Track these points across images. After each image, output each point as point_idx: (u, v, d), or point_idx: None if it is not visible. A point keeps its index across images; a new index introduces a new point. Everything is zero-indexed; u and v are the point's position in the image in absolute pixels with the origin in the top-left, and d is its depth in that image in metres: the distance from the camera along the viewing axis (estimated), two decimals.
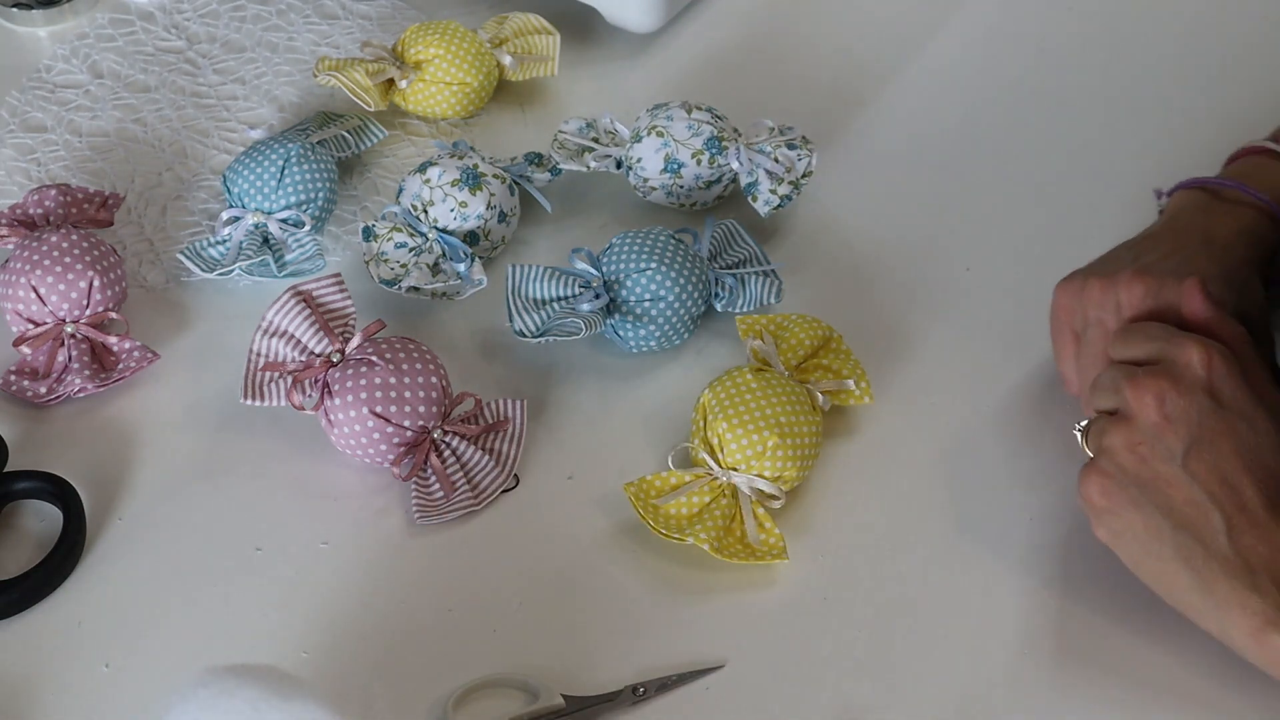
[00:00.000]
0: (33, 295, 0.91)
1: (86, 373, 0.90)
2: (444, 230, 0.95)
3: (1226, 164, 0.94)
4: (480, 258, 0.96)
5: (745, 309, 0.93)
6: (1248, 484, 0.74)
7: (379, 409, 0.84)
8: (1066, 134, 1.06)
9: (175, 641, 0.81)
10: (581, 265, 0.92)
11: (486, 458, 0.87)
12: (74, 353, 0.91)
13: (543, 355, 0.93)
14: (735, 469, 0.84)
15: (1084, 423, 0.80)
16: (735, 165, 0.97)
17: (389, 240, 0.95)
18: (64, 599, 0.83)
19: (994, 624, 0.81)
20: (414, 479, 0.86)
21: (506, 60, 1.06)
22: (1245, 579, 0.73)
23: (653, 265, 0.90)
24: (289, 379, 0.87)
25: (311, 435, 0.88)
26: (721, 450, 0.84)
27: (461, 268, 0.94)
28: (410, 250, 0.95)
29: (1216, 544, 0.74)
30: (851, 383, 0.89)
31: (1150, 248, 0.87)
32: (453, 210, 0.95)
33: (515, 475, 0.88)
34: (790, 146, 0.98)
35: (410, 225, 0.96)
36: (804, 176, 0.97)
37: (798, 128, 1.00)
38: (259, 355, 0.88)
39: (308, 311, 0.88)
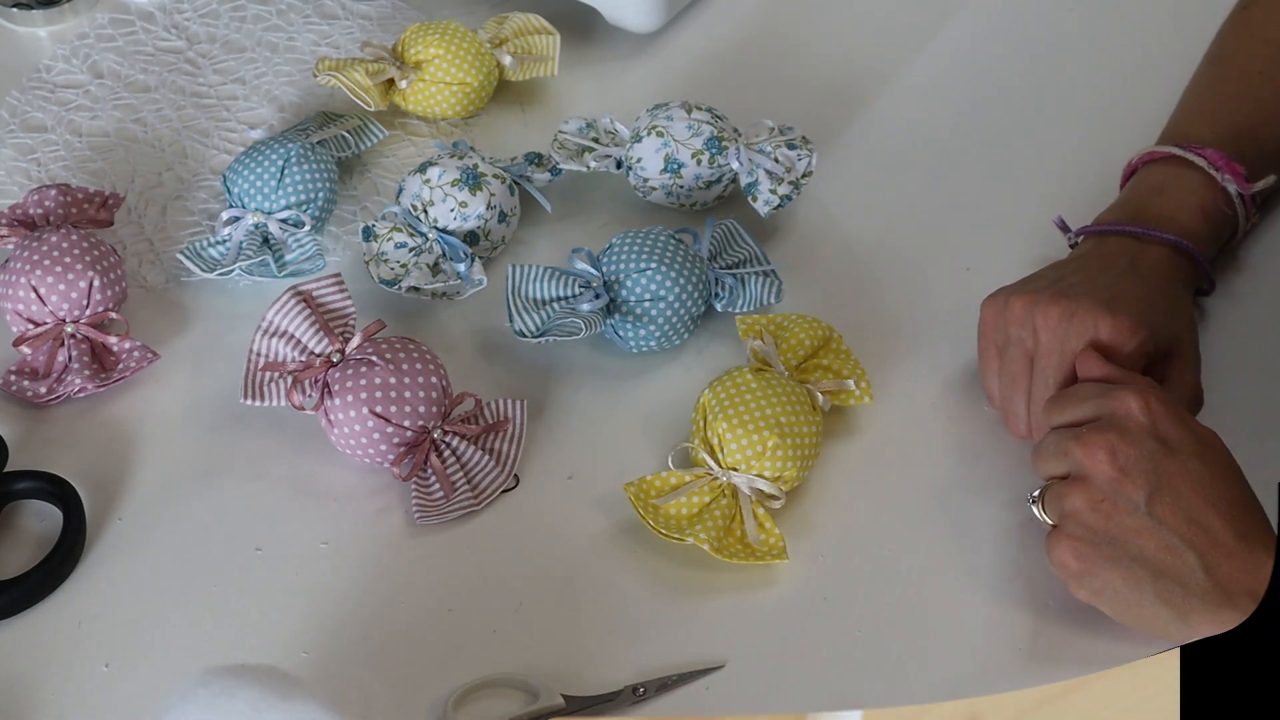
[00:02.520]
0: (33, 295, 0.91)
1: (86, 373, 0.90)
2: (444, 230, 0.95)
3: (1127, 174, 0.94)
4: (480, 258, 0.96)
5: (745, 309, 0.92)
6: (1214, 518, 0.75)
7: (379, 409, 0.84)
8: (1066, 134, 1.06)
9: (175, 641, 0.81)
10: (581, 265, 0.92)
11: (486, 458, 0.87)
12: (74, 353, 0.91)
13: (543, 355, 0.93)
14: (735, 469, 0.84)
15: (1036, 492, 0.81)
16: (735, 165, 0.97)
17: (389, 240, 0.95)
18: (64, 599, 0.83)
19: (994, 623, 0.81)
20: (414, 479, 0.86)
21: (506, 60, 1.06)
22: (1223, 603, 0.74)
23: (653, 265, 0.90)
24: (289, 379, 0.87)
25: (311, 435, 0.88)
26: (721, 450, 0.84)
27: (461, 268, 0.94)
28: (410, 250, 0.95)
29: (1195, 581, 0.74)
30: (851, 383, 0.89)
31: (1076, 269, 0.88)
32: (453, 210, 0.95)
33: (515, 475, 0.87)
34: (790, 146, 0.98)
35: (410, 225, 0.96)
36: (804, 176, 0.97)
37: (798, 128, 1.00)
38: (259, 355, 0.88)
39: (308, 311, 0.88)
